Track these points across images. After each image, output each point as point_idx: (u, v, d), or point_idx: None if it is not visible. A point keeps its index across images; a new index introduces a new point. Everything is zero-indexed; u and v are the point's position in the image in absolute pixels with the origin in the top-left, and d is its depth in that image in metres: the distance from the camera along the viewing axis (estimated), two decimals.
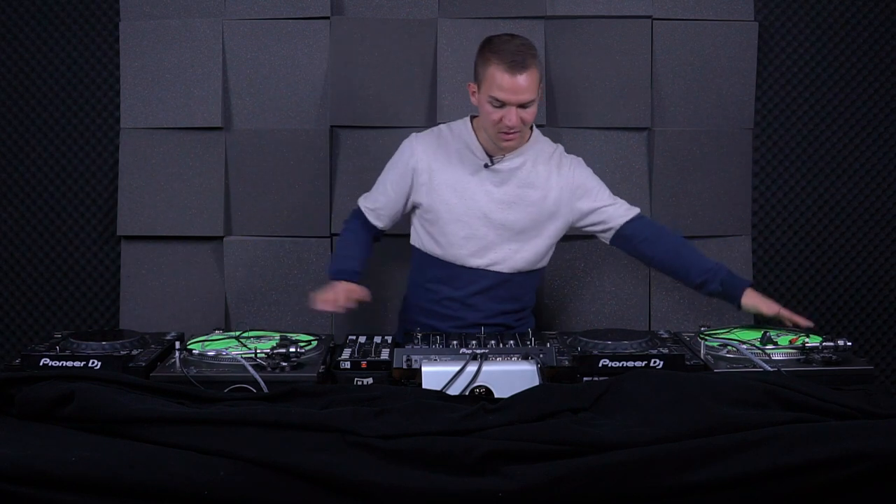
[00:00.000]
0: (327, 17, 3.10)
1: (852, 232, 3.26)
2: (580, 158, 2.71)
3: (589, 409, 1.79)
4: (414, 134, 2.70)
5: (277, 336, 2.23)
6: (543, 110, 3.10)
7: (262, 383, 1.94)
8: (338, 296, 2.49)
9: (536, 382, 1.93)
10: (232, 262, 3.14)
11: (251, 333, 2.30)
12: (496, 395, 1.91)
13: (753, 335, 2.23)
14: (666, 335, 2.29)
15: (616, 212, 2.65)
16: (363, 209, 2.72)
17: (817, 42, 3.20)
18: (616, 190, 3.19)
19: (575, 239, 3.17)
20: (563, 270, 3.18)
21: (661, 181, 3.15)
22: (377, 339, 2.27)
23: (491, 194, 2.59)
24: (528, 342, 2.19)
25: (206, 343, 2.21)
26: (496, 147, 2.57)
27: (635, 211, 2.67)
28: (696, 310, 3.19)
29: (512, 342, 2.20)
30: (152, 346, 2.22)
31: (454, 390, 1.91)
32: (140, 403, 1.72)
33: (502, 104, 2.46)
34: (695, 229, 3.18)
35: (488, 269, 2.62)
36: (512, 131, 2.49)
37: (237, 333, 2.29)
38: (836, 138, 3.23)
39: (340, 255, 2.70)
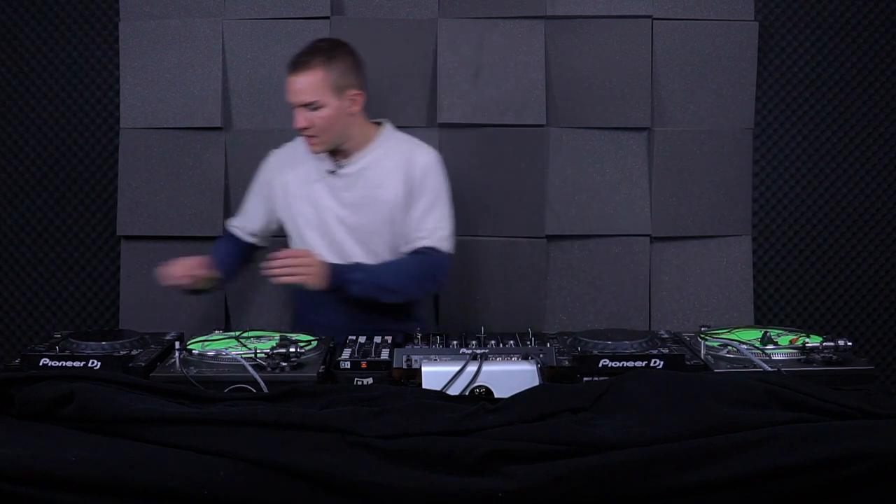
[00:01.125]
0: (327, 17, 3.10)
1: (852, 232, 3.26)
2: (434, 155, 2.64)
3: (589, 409, 1.79)
4: (272, 150, 2.74)
5: (277, 336, 2.23)
6: (543, 110, 3.10)
7: (262, 383, 1.94)
8: (177, 269, 2.53)
9: (536, 382, 1.93)
10: None
11: (251, 333, 2.30)
12: (496, 395, 1.91)
13: (753, 335, 2.23)
14: (666, 335, 2.28)
15: (411, 231, 2.58)
16: (231, 228, 2.78)
17: (817, 42, 3.20)
18: (616, 190, 3.19)
19: (575, 239, 3.18)
20: (563, 270, 3.18)
21: (661, 181, 3.15)
22: (377, 339, 2.27)
23: (342, 199, 2.60)
24: (528, 342, 2.19)
25: (206, 343, 2.21)
26: (342, 152, 2.59)
27: (420, 245, 2.57)
28: (696, 310, 3.19)
29: (512, 342, 2.20)
30: (152, 346, 2.22)
31: (454, 390, 1.91)
32: (140, 403, 1.72)
33: (294, 106, 2.51)
34: (695, 229, 3.18)
35: None
36: (307, 134, 2.51)
37: (237, 333, 2.29)
38: (836, 138, 3.23)
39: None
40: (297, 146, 2.68)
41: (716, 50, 3.14)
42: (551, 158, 3.14)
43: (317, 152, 2.57)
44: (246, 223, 2.76)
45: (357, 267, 2.53)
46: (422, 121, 3.09)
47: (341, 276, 2.46)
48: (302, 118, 2.49)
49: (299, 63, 2.49)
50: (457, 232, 2.67)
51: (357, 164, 2.59)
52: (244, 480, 1.58)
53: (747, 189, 3.20)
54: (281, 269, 2.37)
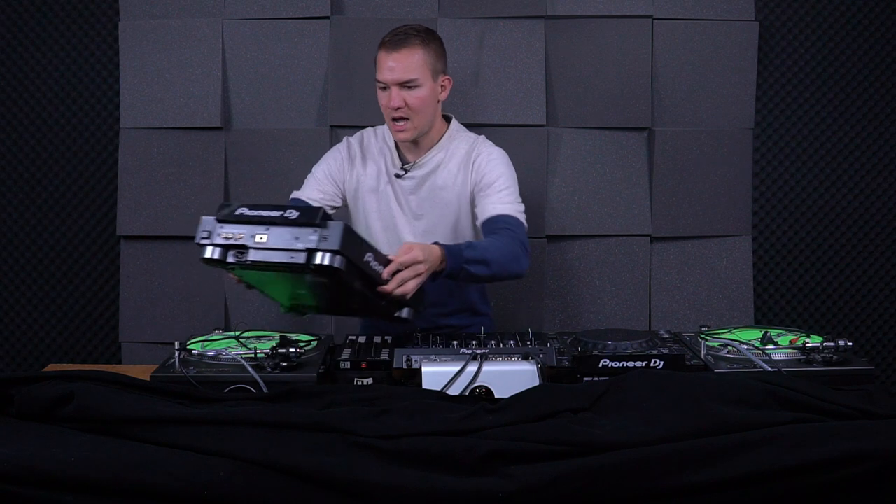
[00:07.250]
0: (327, 17, 3.10)
1: (852, 232, 3.26)
2: (499, 151, 2.57)
3: (589, 409, 1.79)
4: (347, 137, 2.65)
5: (277, 336, 2.23)
6: (543, 110, 3.10)
7: (262, 383, 1.94)
8: None
9: (536, 382, 1.93)
10: None
11: (251, 333, 2.30)
12: (496, 395, 1.91)
13: (753, 335, 2.23)
14: (666, 335, 2.28)
15: (487, 207, 2.47)
16: (295, 196, 2.59)
17: (817, 42, 3.20)
18: (616, 190, 3.19)
19: (575, 238, 3.18)
20: (563, 270, 3.18)
21: (661, 181, 3.15)
22: (377, 339, 2.27)
23: (408, 203, 2.56)
24: (528, 342, 2.19)
25: (206, 343, 2.21)
26: (410, 151, 2.55)
27: (499, 210, 2.45)
28: (697, 310, 3.19)
29: (512, 342, 2.20)
30: None
31: (454, 390, 1.91)
32: (140, 403, 1.72)
33: (386, 86, 2.44)
34: (695, 229, 3.18)
35: None
36: (398, 115, 2.44)
37: (237, 333, 2.29)
38: (836, 138, 3.23)
39: None
40: (370, 140, 2.62)
41: (716, 50, 3.14)
42: (551, 158, 3.14)
43: (404, 139, 2.49)
44: (312, 195, 2.57)
45: (469, 245, 2.28)
46: None
47: (462, 257, 2.22)
48: (397, 97, 2.42)
49: (397, 41, 2.43)
50: None
51: (423, 169, 2.54)
52: (244, 480, 1.58)
53: (747, 189, 3.20)
54: (401, 283, 2.07)
